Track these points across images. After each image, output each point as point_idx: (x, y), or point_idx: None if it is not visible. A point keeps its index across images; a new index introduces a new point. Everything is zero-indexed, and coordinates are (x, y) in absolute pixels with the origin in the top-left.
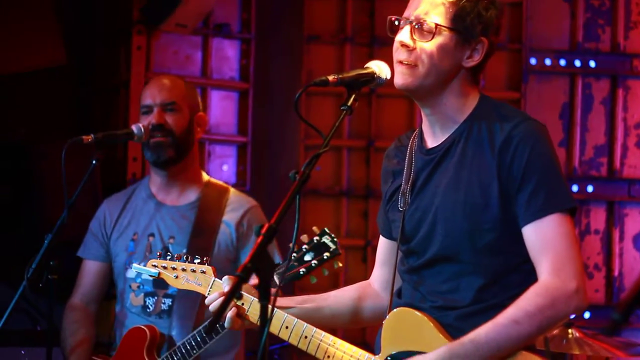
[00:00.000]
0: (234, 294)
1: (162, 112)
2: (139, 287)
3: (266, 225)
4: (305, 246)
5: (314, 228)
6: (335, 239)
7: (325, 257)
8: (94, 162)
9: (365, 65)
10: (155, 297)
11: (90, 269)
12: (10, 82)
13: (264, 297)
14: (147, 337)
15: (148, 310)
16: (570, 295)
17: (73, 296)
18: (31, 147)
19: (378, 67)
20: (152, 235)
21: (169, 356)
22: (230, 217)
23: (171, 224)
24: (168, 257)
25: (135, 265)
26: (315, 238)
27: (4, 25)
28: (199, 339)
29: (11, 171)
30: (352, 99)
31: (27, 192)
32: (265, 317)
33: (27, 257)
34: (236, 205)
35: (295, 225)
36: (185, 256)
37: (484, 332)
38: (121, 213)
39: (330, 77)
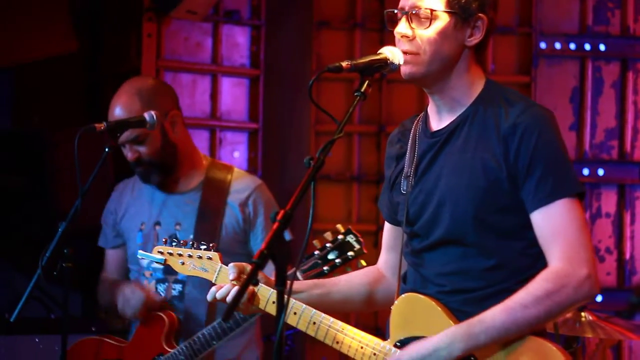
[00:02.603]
0: (250, 280)
1: (132, 147)
2: (151, 274)
3: (282, 212)
4: (329, 244)
5: (338, 226)
6: (360, 239)
7: (349, 256)
8: (106, 149)
9: (378, 51)
10: (166, 283)
11: (113, 257)
12: (22, 70)
13: (280, 283)
14: (165, 324)
15: (160, 296)
16: (581, 281)
17: (102, 273)
18: (44, 135)
19: (391, 53)
20: (159, 224)
21: (187, 345)
22: (234, 198)
23: (176, 211)
24: (174, 244)
25: (140, 252)
26: (340, 236)
27: (15, 14)
28: (219, 330)
29: (24, 159)
30: (365, 85)
31: (40, 180)
32: (282, 303)
33: (41, 245)
34: (240, 186)
35: (311, 212)
36: (191, 242)
37: (491, 314)
38: (129, 202)
39: (344, 63)
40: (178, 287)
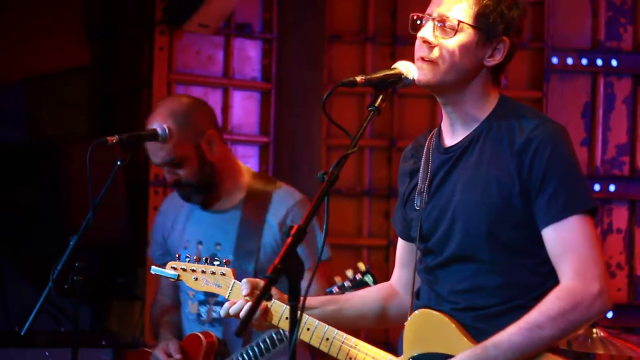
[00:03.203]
0: (264, 295)
1: (171, 170)
2: (194, 295)
3: (295, 226)
4: (347, 282)
5: (360, 264)
6: (377, 279)
7: None
8: (118, 163)
9: (393, 66)
10: (207, 306)
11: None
12: (35, 83)
13: (293, 298)
14: (202, 344)
15: (202, 318)
16: (593, 298)
17: (157, 294)
18: (56, 147)
19: (405, 68)
20: (201, 243)
21: (248, 349)
22: (273, 215)
23: (216, 231)
24: (187, 259)
25: (153, 267)
26: (358, 276)
27: (29, 28)
28: (256, 350)
29: (37, 172)
30: (379, 100)
31: (52, 192)
32: (295, 318)
33: (52, 259)
34: (279, 203)
35: (324, 226)
36: (205, 258)
37: (507, 337)
38: (176, 218)
39: (358, 78)
40: (218, 309)
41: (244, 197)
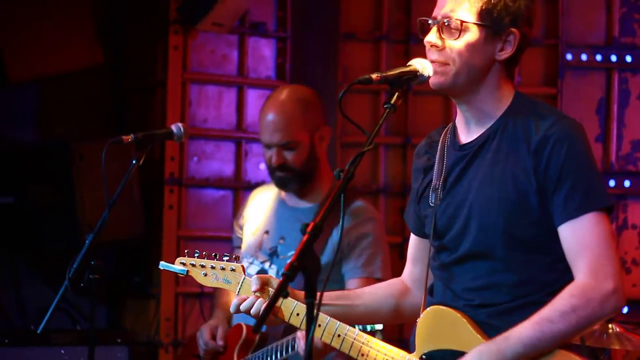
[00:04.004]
0: (281, 292)
1: (280, 152)
2: None
3: (311, 224)
4: None
5: None
6: None
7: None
8: (134, 162)
9: (408, 63)
10: None
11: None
12: (48, 83)
13: (310, 295)
14: (242, 335)
15: None
16: (606, 295)
17: None
18: (70, 147)
19: (421, 65)
20: (267, 232)
21: (255, 357)
22: (337, 230)
23: (285, 224)
24: (196, 255)
25: (162, 262)
26: None
27: (41, 27)
28: (283, 347)
29: (50, 172)
30: (395, 97)
31: (66, 192)
32: (312, 316)
33: (68, 257)
34: (351, 216)
35: (341, 223)
36: (214, 254)
37: (518, 331)
38: (253, 207)
39: (374, 75)
40: None
41: (322, 201)
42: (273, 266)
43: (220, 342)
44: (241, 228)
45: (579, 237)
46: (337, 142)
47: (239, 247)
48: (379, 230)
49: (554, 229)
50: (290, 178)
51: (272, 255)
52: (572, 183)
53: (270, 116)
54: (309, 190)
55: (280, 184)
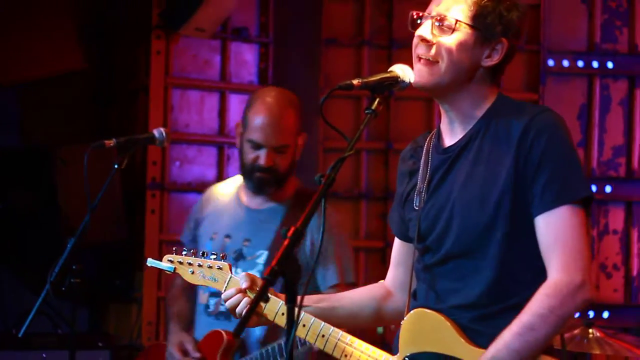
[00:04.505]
0: (262, 296)
1: (271, 154)
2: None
3: (292, 228)
4: None
5: None
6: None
7: None
8: (115, 166)
9: (389, 69)
10: (217, 298)
11: None
12: (30, 87)
13: (291, 300)
14: (222, 342)
15: (208, 310)
16: (576, 289)
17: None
18: (52, 152)
19: (402, 71)
20: (229, 236)
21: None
22: (310, 231)
23: (248, 227)
24: (184, 252)
25: (150, 259)
26: None
27: (23, 32)
28: (270, 352)
29: (33, 176)
30: (376, 103)
31: (48, 196)
32: (292, 320)
33: (49, 261)
34: (317, 220)
35: (322, 229)
36: (202, 252)
37: (504, 343)
38: (210, 209)
39: (355, 81)
40: None
41: (286, 204)
42: (239, 270)
43: (196, 355)
44: (195, 229)
45: (553, 230)
46: (320, 147)
47: (192, 241)
48: (343, 231)
49: (533, 226)
50: (271, 180)
51: (238, 258)
52: (550, 172)
53: (268, 117)
54: (270, 196)
55: (259, 186)
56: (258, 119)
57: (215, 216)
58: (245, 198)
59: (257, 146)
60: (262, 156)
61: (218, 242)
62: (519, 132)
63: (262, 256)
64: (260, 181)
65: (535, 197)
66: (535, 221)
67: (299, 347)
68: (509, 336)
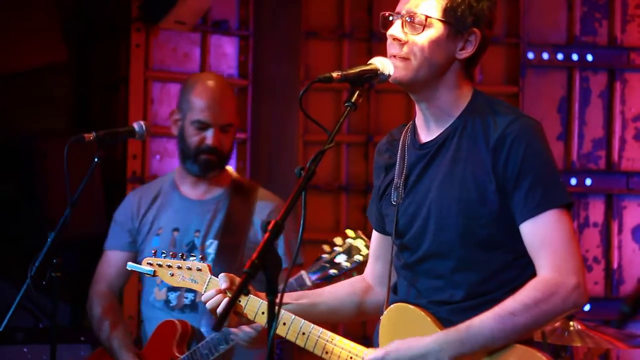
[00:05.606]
0: (241, 290)
1: (218, 134)
2: (161, 281)
3: (272, 222)
4: (337, 248)
5: (348, 231)
6: (368, 244)
7: (357, 260)
8: (96, 159)
9: (369, 62)
10: (178, 292)
11: (117, 259)
12: (10, 79)
13: (271, 292)
14: (177, 331)
15: (171, 304)
16: (569, 290)
17: (97, 284)
18: (32, 145)
19: (381, 64)
20: (177, 229)
21: (196, 350)
22: (258, 216)
23: (195, 217)
24: (163, 255)
25: (130, 263)
26: (349, 240)
27: (5, 24)
28: (222, 337)
29: (13, 168)
30: (356, 95)
31: (29, 189)
32: (273, 313)
33: (30, 255)
34: (263, 205)
35: (302, 222)
36: (181, 254)
37: (479, 322)
38: (149, 207)
39: (334, 74)
40: (190, 295)
41: (226, 192)
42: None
43: None
44: (133, 229)
45: (541, 234)
46: (300, 140)
47: (127, 251)
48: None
49: (515, 226)
50: (216, 163)
51: (191, 250)
52: (531, 181)
53: (213, 97)
54: (211, 182)
55: (205, 168)
56: (203, 99)
57: (156, 212)
58: (185, 190)
59: (204, 126)
60: (209, 136)
61: (165, 236)
62: (495, 137)
63: (213, 245)
64: (206, 163)
65: (518, 205)
66: (521, 228)
67: (225, 344)
68: (487, 315)
